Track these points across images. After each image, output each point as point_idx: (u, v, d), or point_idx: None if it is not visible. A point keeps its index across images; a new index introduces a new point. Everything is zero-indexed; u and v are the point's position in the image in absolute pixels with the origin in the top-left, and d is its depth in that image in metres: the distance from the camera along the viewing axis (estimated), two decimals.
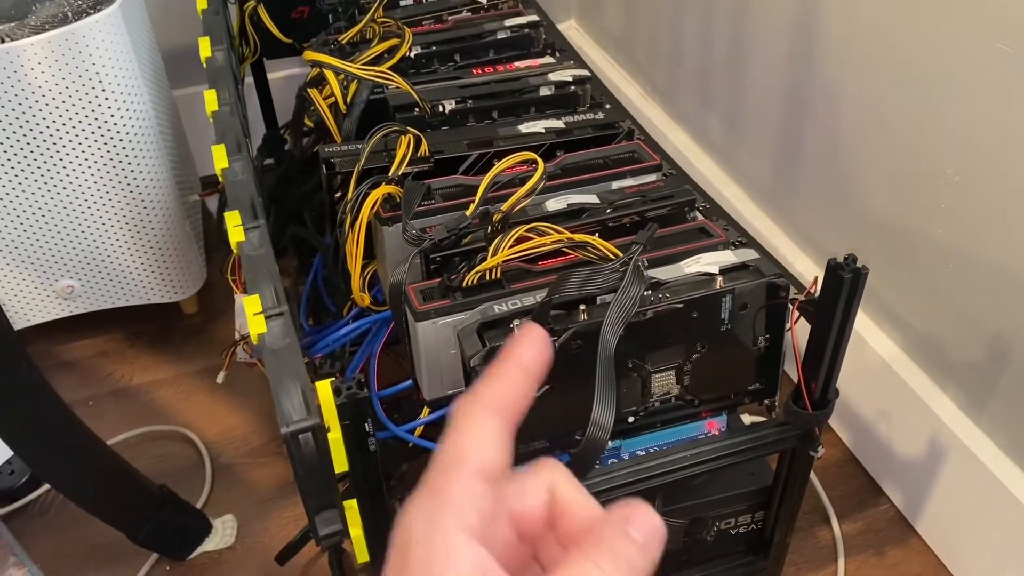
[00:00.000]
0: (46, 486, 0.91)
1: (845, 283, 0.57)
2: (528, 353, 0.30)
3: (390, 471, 0.75)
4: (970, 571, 0.81)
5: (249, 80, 1.10)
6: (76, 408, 0.73)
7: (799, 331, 0.62)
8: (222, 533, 0.86)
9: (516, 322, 0.57)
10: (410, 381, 0.68)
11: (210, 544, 0.85)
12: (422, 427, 0.67)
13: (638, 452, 0.66)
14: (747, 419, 0.70)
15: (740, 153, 1.05)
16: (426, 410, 0.66)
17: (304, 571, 0.83)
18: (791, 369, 0.65)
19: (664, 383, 0.63)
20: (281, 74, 1.19)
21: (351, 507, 0.55)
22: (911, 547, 0.84)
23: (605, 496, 0.64)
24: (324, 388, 0.50)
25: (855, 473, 0.91)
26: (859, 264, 0.57)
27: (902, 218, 0.80)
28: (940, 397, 0.80)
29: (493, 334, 0.57)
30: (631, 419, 0.64)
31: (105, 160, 0.90)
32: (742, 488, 0.73)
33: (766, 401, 0.68)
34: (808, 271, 0.94)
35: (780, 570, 0.80)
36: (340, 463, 0.51)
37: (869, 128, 0.81)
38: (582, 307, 0.57)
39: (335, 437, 0.50)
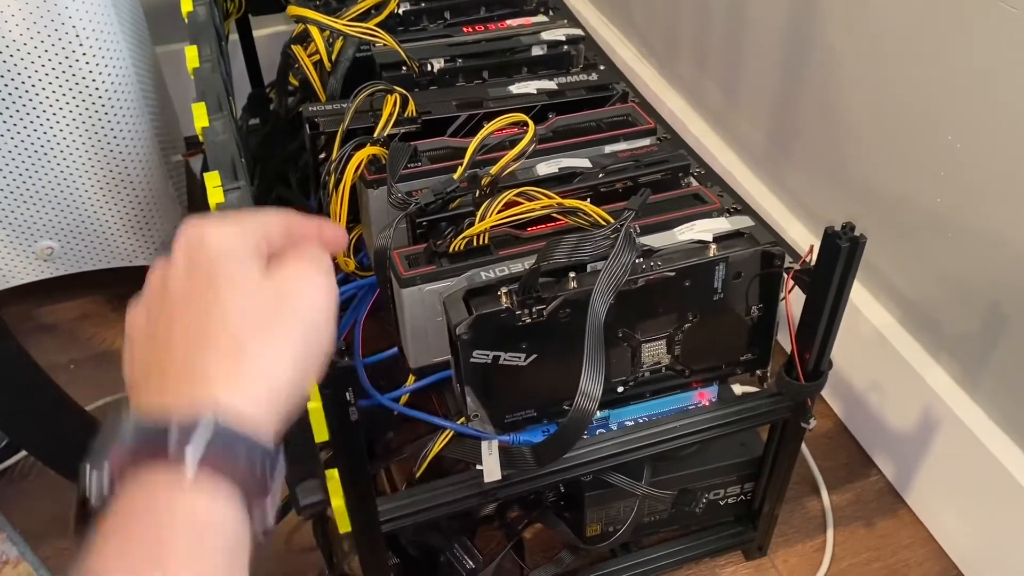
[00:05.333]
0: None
1: (842, 252, 0.56)
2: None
3: (375, 439, 0.74)
4: (959, 543, 0.80)
5: (234, 37, 1.07)
6: (57, 371, 0.72)
7: (793, 300, 0.61)
8: None
9: (504, 289, 0.55)
10: (396, 348, 0.67)
11: None
12: (407, 395, 0.66)
13: (627, 422, 0.65)
14: (738, 389, 0.69)
15: (736, 118, 1.03)
16: (411, 378, 0.65)
17: (288, 538, 0.82)
18: (784, 339, 0.64)
19: (654, 353, 0.62)
20: (268, 31, 1.16)
21: (332, 477, 0.54)
22: (900, 518, 0.84)
23: (592, 467, 0.63)
24: None
25: (846, 444, 0.91)
26: (856, 233, 0.56)
27: (899, 185, 0.78)
28: (934, 368, 0.79)
29: (480, 301, 0.56)
30: (620, 389, 0.63)
31: (83, 117, 0.88)
32: (732, 459, 0.72)
33: (758, 372, 0.67)
34: (802, 238, 0.93)
35: (769, 541, 0.80)
36: (320, 433, 0.50)
37: (867, 93, 0.79)
38: (572, 274, 0.56)
39: (315, 407, 0.49)
